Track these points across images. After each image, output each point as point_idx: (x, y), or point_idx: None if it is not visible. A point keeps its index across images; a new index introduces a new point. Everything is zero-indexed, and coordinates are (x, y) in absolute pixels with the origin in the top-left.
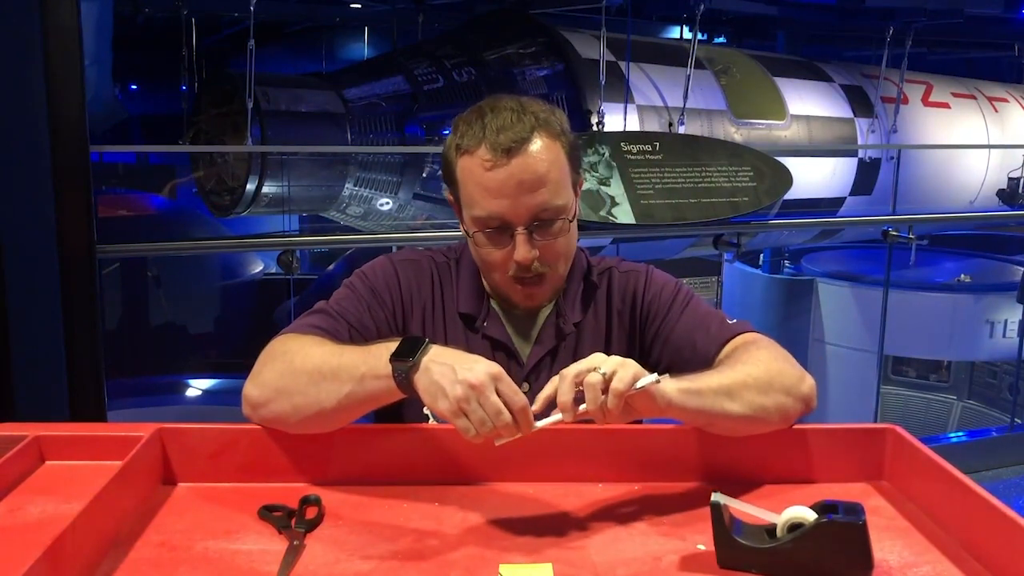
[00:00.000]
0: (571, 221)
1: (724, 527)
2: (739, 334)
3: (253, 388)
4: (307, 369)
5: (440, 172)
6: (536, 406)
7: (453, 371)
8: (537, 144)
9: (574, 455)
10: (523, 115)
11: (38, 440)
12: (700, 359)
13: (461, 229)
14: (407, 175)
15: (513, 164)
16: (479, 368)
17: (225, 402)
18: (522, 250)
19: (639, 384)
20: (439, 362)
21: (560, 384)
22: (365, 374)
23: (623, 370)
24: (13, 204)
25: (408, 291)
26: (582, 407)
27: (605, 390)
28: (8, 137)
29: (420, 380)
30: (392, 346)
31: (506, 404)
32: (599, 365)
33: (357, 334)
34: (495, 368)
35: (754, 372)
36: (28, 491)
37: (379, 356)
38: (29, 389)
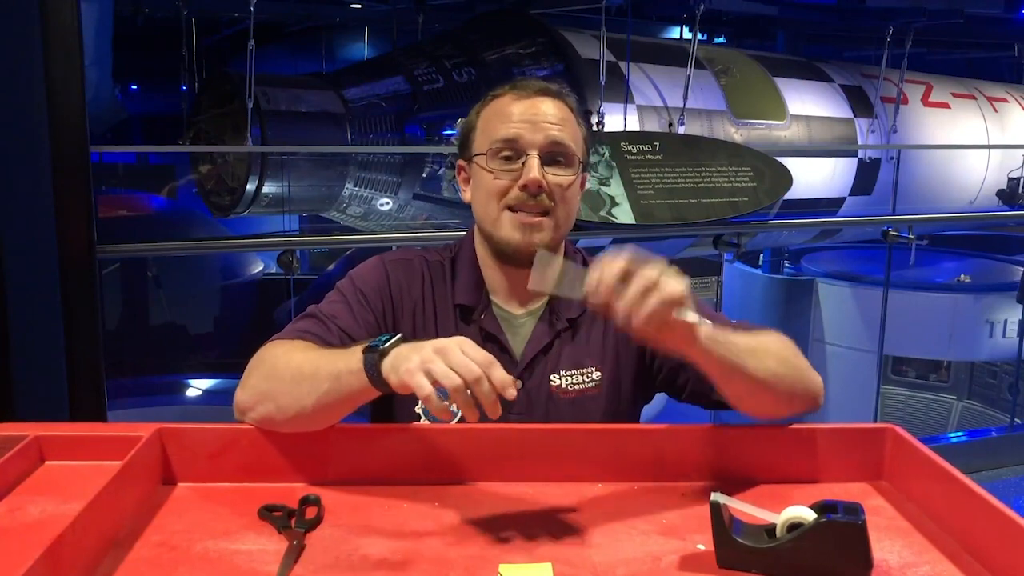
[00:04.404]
0: (581, 175)
1: (724, 527)
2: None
3: (242, 393)
4: (289, 370)
5: (439, 172)
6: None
7: (423, 346)
8: (559, 101)
9: (574, 455)
10: (549, 83)
11: (38, 440)
12: None
13: (465, 197)
14: (407, 175)
15: (536, 100)
16: (449, 338)
17: (225, 402)
18: (533, 171)
19: (684, 313)
20: (409, 345)
21: (611, 264)
22: (341, 371)
23: (680, 284)
24: (13, 204)
25: (398, 291)
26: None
27: (648, 293)
28: (8, 137)
29: (387, 361)
30: (367, 343)
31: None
32: (663, 272)
33: (347, 337)
34: (461, 338)
35: (773, 346)
36: (28, 491)
37: (354, 352)
38: (29, 389)
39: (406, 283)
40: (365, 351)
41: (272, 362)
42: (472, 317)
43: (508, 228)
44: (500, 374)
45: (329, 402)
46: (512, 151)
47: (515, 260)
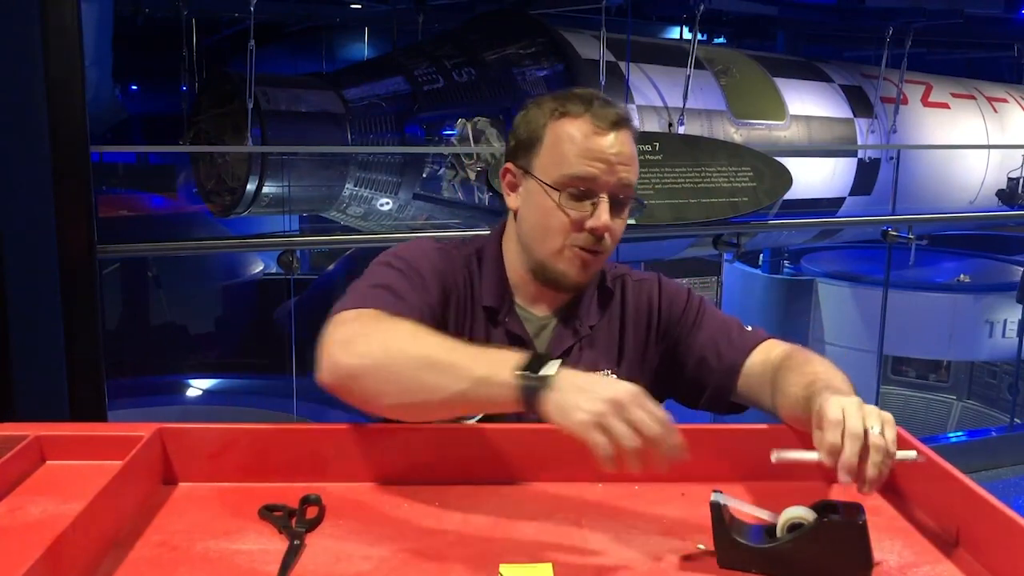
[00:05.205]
0: (628, 211)
1: (724, 527)
2: (761, 341)
3: (347, 356)
4: (417, 354)
5: (439, 172)
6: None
7: (591, 389)
8: (630, 135)
9: (574, 455)
10: (619, 109)
11: (39, 440)
12: (726, 367)
13: (508, 204)
14: (407, 175)
15: (613, 137)
16: (621, 386)
17: (225, 402)
18: (604, 216)
19: (902, 456)
20: (574, 381)
21: (849, 443)
22: (486, 377)
23: (890, 429)
24: (13, 204)
25: (444, 278)
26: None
27: (883, 464)
28: (8, 137)
29: (552, 397)
30: (513, 356)
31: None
32: (873, 424)
33: (418, 318)
34: (637, 388)
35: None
36: (28, 491)
37: (502, 362)
38: (29, 389)
39: (450, 273)
40: (523, 371)
41: (392, 335)
42: (498, 319)
43: (567, 264)
44: (678, 438)
45: (458, 402)
46: (583, 191)
47: (557, 287)
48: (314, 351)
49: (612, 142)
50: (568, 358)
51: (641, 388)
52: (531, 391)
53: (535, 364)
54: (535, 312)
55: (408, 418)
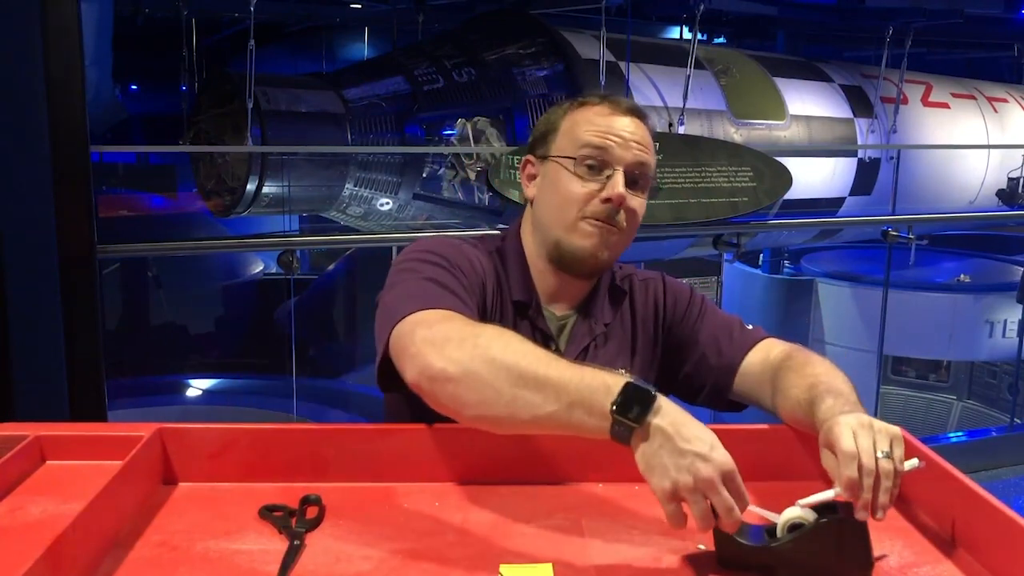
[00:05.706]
0: (645, 196)
1: None
2: (760, 339)
3: (439, 359)
4: (507, 364)
5: (439, 172)
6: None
7: (686, 451)
8: (646, 126)
9: (574, 455)
10: (637, 105)
11: (39, 440)
12: (725, 364)
13: (526, 194)
14: (407, 175)
15: (628, 120)
16: (717, 459)
17: (225, 402)
18: (619, 187)
19: (908, 467)
20: (669, 433)
21: (865, 479)
22: (577, 403)
23: (898, 447)
24: (13, 204)
25: (480, 275)
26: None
27: (895, 486)
28: (8, 137)
29: (642, 446)
30: (611, 381)
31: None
32: (883, 446)
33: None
34: (730, 464)
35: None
36: (28, 491)
37: (598, 390)
38: (29, 389)
39: (482, 270)
40: (618, 409)
41: (481, 342)
42: (528, 314)
43: (583, 236)
44: (738, 516)
45: (545, 424)
46: (598, 162)
47: (573, 268)
48: (312, 351)
49: (628, 123)
50: (587, 356)
51: (733, 465)
52: (624, 431)
53: (633, 397)
54: (554, 311)
55: (492, 429)
